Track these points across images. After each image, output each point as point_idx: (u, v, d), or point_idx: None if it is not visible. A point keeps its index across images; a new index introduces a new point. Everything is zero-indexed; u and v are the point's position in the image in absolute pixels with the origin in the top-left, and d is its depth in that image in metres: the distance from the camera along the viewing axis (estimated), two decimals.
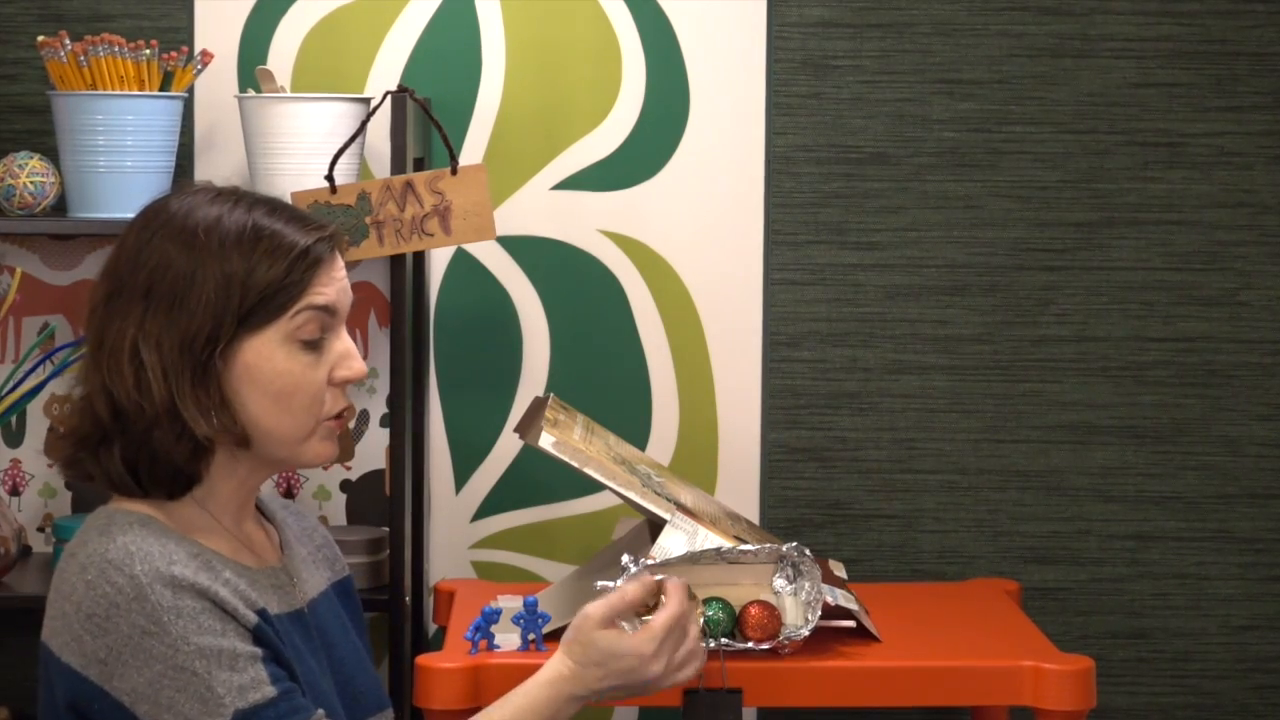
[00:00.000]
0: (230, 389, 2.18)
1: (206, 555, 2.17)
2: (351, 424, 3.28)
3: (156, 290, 2.16)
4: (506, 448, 3.30)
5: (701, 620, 2.65)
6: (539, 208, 3.28)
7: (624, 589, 2.35)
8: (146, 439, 2.17)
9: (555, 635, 2.75)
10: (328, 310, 2.19)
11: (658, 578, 2.37)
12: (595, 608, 2.32)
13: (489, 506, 3.31)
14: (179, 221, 2.19)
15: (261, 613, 2.17)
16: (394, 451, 2.97)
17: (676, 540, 2.73)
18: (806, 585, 2.67)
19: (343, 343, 2.21)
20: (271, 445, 2.20)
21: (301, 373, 2.18)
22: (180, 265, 2.16)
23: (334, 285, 2.20)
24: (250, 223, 2.18)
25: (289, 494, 3.27)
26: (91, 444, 2.20)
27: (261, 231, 2.17)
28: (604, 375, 3.30)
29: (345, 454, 3.28)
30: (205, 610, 2.11)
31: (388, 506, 3.25)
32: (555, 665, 2.31)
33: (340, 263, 2.22)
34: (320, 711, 2.15)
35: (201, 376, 2.16)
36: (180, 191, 2.24)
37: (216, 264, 2.15)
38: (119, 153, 3.00)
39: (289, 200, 2.93)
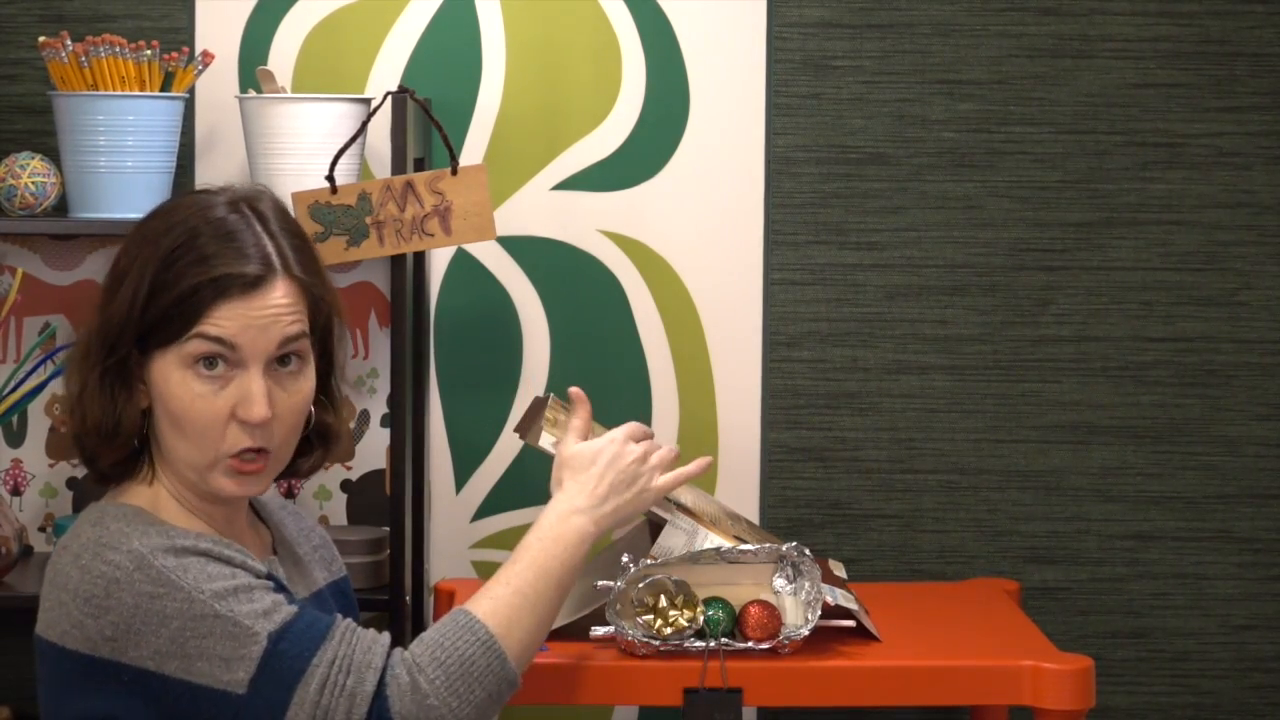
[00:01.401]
0: (152, 400, 2.20)
1: (203, 534, 2.20)
2: (352, 424, 3.28)
3: (106, 282, 2.21)
4: (506, 448, 3.31)
5: (702, 618, 2.66)
6: (539, 208, 3.28)
7: (571, 423, 2.49)
8: (72, 423, 2.23)
9: (555, 635, 2.75)
10: (221, 342, 2.16)
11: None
12: (565, 444, 2.44)
13: (489, 506, 3.31)
14: (151, 219, 2.23)
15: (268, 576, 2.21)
16: (394, 451, 2.97)
17: (676, 540, 2.73)
18: (806, 585, 2.67)
19: (250, 381, 2.18)
20: (178, 464, 2.22)
21: (192, 401, 2.17)
22: (123, 263, 2.20)
23: (239, 321, 2.17)
24: (184, 238, 2.18)
25: (289, 494, 3.27)
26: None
27: (185, 250, 2.17)
28: (604, 375, 3.30)
29: (345, 454, 3.29)
30: (211, 561, 2.14)
31: (388, 506, 3.25)
32: (554, 499, 2.37)
33: (270, 301, 2.18)
34: (339, 616, 2.19)
35: (112, 373, 2.18)
36: (199, 189, 2.27)
37: (139, 270, 2.17)
38: (120, 153, 3.00)
39: (290, 203, 2.94)
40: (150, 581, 2.10)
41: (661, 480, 2.45)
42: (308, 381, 2.24)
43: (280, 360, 2.20)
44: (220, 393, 2.17)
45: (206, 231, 2.18)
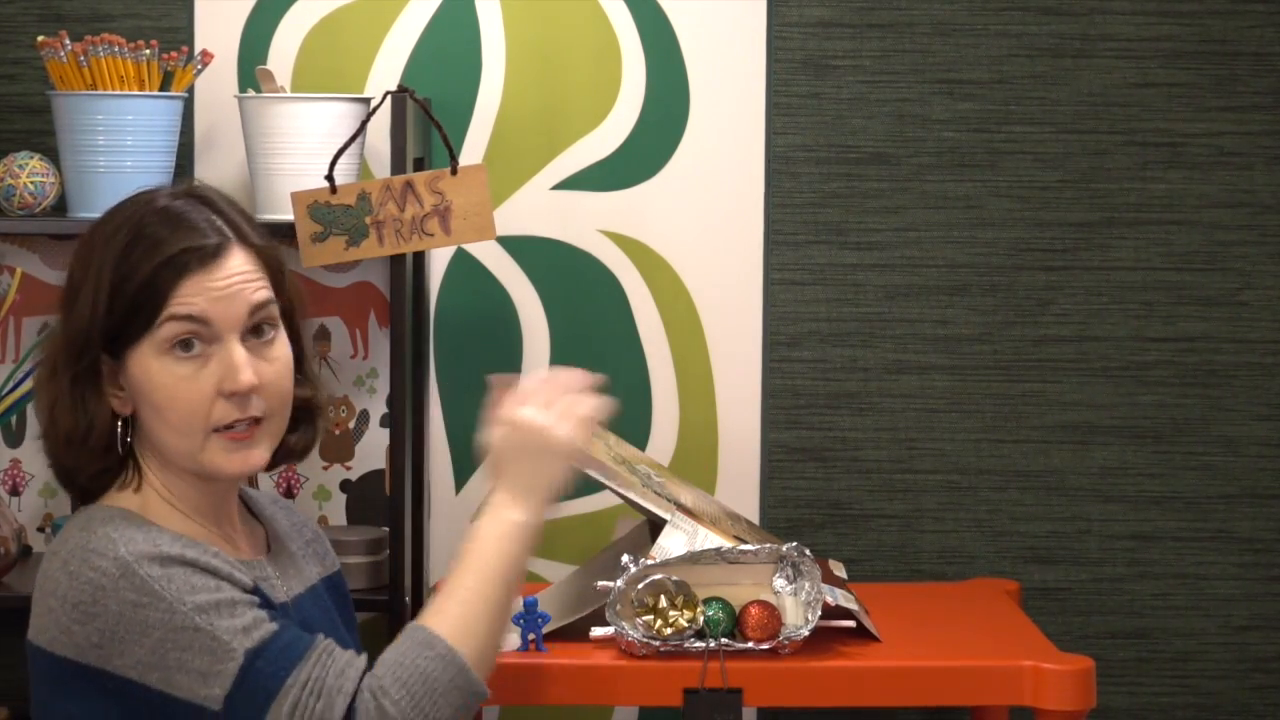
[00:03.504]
0: (135, 403, 2.20)
1: (191, 540, 2.19)
2: (351, 424, 3.28)
3: (63, 295, 2.21)
4: None
5: (702, 619, 2.66)
6: (539, 208, 3.28)
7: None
8: (45, 444, 2.22)
9: (555, 635, 2.75)
10: (193, 319, 2.16)
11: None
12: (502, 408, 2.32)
13: None
14: (96, 225, 2.22)
15: (254, 589, 2.19)
16: (394, 451, 2.97)
17: (676, 540, 2.73)
18: (806, 585, 2.67)
19: (230, 353, 2.18)
20: (170, 456, 2.21)
21: (175, 385, 2.17)
22: (77, 273, 2.20)
23: (206, 294, 2.17)
24: (134, 232, 2.18)
25: (289, 494, 3.27)
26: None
27: (137, 241, 2.17)
28: (604, 375, 3.29)
29: (345, 454, 3.28)
30: (195, 572, 2.13)
31: (388, 506, 3.25)
32: (486, 499, 2.29)
33: (232, 270, 2.19)
34: (320, 635, 2.17)
35: (83, 381, 2.18)
36: (139, 190, 2.26)
37: (95, 272, 2.17)
38: (119, 153, 3.00)
39: (290, 203, 2.93)
40: (134, 590, 2.10)
41: (566, 432, 2.32)
42: (285, 348, 2.24)
43: (255, 331, 2.21)
44: (202, 372, 2.17)
45: (153, 219, 2.19)
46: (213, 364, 2.17)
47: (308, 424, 2.34)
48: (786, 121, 3.28)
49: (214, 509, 2.26)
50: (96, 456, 2.21)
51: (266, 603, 2.19)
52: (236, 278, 2.19)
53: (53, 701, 2.15)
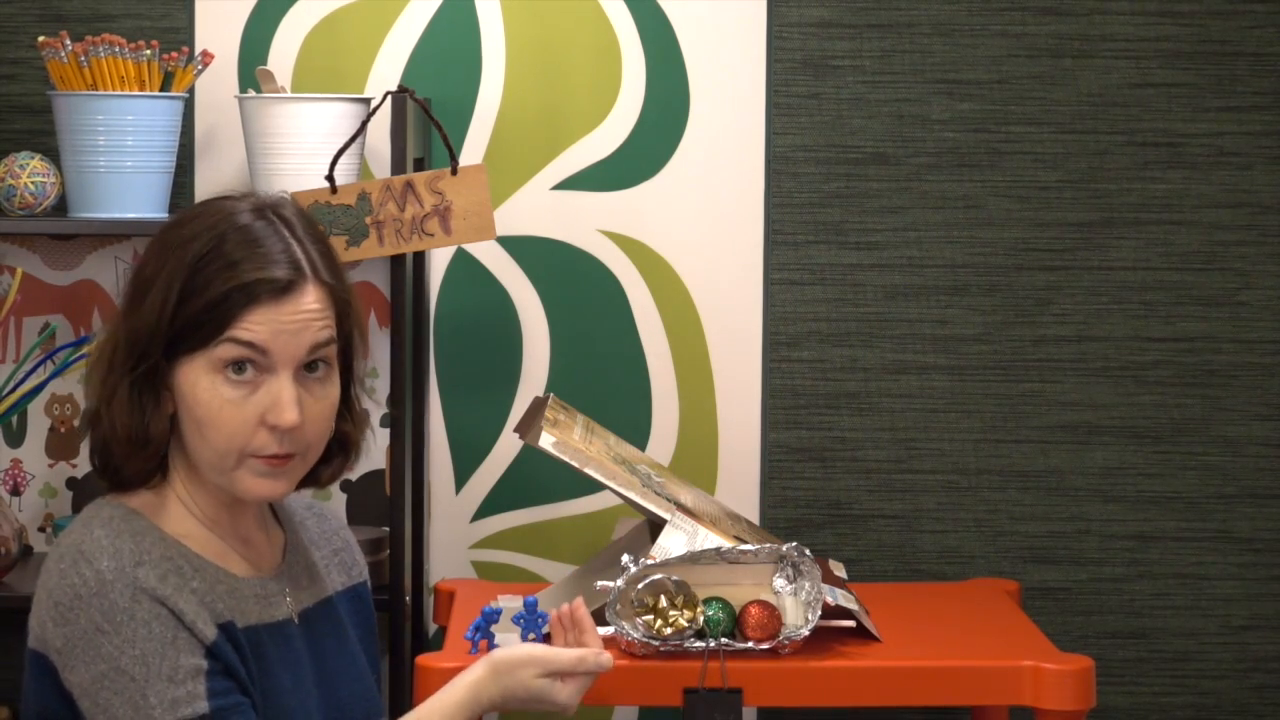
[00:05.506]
0: (176, 405, 2.19)
1: (184, 558, 2.17)
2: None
3: (130, 289, 2.19)
4: (506, 448, 3.31)
5: (702, 619, 2.66)
6: (539, 208, 3.28)
7: (566, 654, 2.39)
8: (93, 432, 2.21)
9: None
10: (253, 347, 2.14)
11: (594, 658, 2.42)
12: (537, 659, 2.35)
13: (489, 506, 3.31)
14: (173, 225, 2.20)
15: (226, 626, 2.17)
16: (394, 451, 2.97)
17: (676, 540, 2.73)
18: (806, 585, 2.67)
19: (280, 387, 2.16)
20: (200, 467, 2.20)
21: (219, 406, 2.15)
22: (148, 270, 2.18)
23: (270, 326, 2.15)
24: (211, 244, 2.17)
25: None
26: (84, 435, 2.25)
27: (214, 256, 2.16)
28: (604, 375, 3.30)
29: None
30: (159, 617, 2.11)
31: (388, 506, 3.25)
32: (479, 685, 2.33)
33: (301, 306, 2.17)
34: None
35: (141, 382, 2.17)
36: (220, 195, 2.24)
37: (167, 276, 2.16)
38: (119, 153, 3.00)
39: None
40: (102, 613, 2.09)
41: (565, 698, 2.41)
42: (335, 388, 2.22)
43: (308, 366, 2.19)
44: (249, 398, 2.15)
45: (233, 237, 2.17)
46: (260, 393, 2.16)
47: (341, 457, 2.31)
48: (786, 121, 3.28)
49: (231, 518, 2.26)
50: (150, 456, 2.20)
51: (227, 669, 2.15)
52: (303, 315, 2.17)
53: (33, 696, 2.16)
